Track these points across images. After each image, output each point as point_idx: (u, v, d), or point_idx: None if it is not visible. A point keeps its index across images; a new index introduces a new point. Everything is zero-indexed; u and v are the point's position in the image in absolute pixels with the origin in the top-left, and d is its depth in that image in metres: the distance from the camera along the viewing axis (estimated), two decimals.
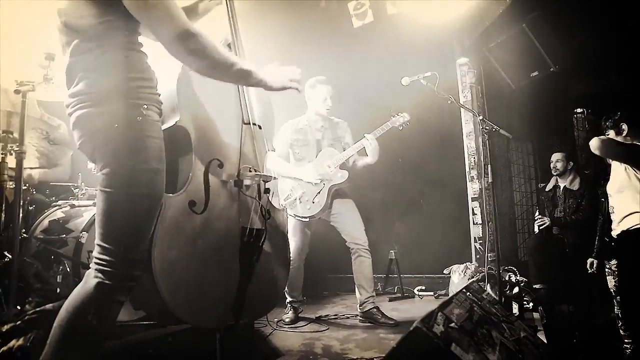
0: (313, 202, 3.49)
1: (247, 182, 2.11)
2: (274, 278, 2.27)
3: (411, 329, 1.30)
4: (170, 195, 1.86)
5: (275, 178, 2.21)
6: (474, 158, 4.41)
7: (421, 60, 3.99)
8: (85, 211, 2.71)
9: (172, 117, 1.97)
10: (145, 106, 1.59)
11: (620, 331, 3.11)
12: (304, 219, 3.54)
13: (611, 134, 2.84)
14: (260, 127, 2.26)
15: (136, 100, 1.58)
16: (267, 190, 2.18)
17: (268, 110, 2.45)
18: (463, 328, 1.46)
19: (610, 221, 2.90)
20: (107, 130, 1.53)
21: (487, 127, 3.01)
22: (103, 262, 1.51)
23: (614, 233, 2.79)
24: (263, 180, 2.16)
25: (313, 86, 3.63)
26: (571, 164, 4.43)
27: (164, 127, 1.91)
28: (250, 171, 2.14)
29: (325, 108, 3.60)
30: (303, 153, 3.61)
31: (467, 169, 4.47)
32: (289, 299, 3.69)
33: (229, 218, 2.06)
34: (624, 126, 2.78)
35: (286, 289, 3.58)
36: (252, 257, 2.04)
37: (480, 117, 3.07)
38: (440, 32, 4.41)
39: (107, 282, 1.49)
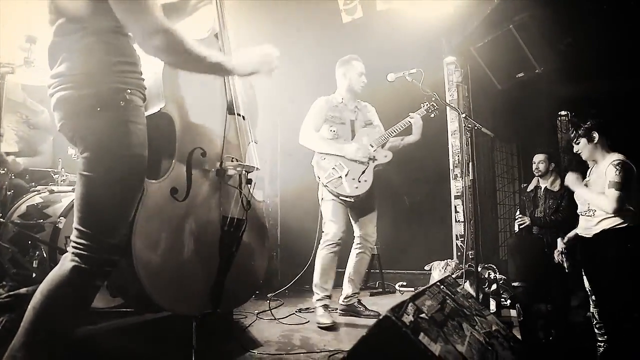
0: (359, 181, 3.32)
1: (229, 172, 2.12)
2: (252, 268, 2.29)
3: (380, 317, 1.33)
4: (152, 181, 1.87)
5: (258, 169, 2.21)
6: (458, 156, 4.45)
7: (409, 57, 4.01)
8: (64, 197, 2.70)
9: (157, 104, 1.98)
10: (129, 91, 1.59)
11: (595, 330, 3.17)
12: (348, 199, 3.33)
13: (582, 142, 2.94)
14: (244, 118, 2.27)
15: (120, 85, 1.57)
16: (249, 181, 2.20)
17: (252, 101, 2.46)
18: (433, 319, 1.49)
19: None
20: (88, 113, 1.53)
21: (470, 125, 3.05)
22: (80, 246, 1.51)
23: (590, 233, 2.86)
24: (245, 171, 2.18)
25: (347, 62, 3.54)
26: (553, 165, 4.50)
27: (148, 113, 1.92)
28: (233, 161, 2.16)
29: (360, 84, 3.50)
30: (339, 132, 3.45)
31: (451, 167, 4.52)
32: (320, 296, 3.37)
33: (210, 207, 2.08)
34: (595, 134, 2.88)
35: (317, 281, 3.38)
36: (232, 247, 2.05)
37: (464, 115, 3.11)
38: (428, 30, 4.44)
39: (83, 265, 1.50)
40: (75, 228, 1.53)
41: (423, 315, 1.46)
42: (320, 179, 3.35)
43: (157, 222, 1.85)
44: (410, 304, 1.46)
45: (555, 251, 3.66)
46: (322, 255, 3.37)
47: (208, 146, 2.09)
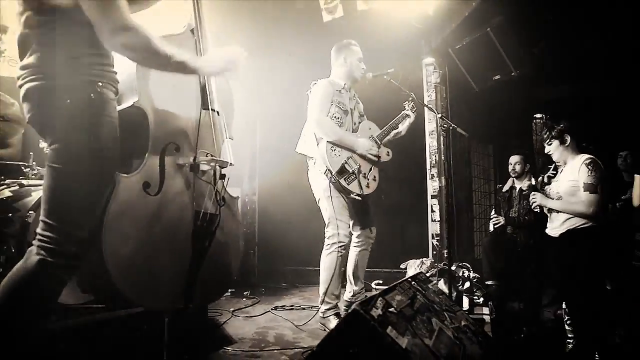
0: (368, 179, 3.11)
1: (203, 167, 2.12)
2: (226, 264, 2.29)
3: (349, 311, 1.34)
4: (124, 175, 1.86)
5: (232, 164, 2.20)
6: (435, 157, 4.51)
7: (389, 57, 4.05)
8: (34, 191, 2.64)
9: (130, 98, 1.97)
10: (101, 84, 1.58)
11: (566, 326, 3.24)
12: (357, 197, 3.06)
13: (555, 143, 2.99)
14: (219, 114, 2.26)
15: (91, 77, 1.56)
16: (222, 176, 2.19)
17: (228, 97, 2.45)
18: (402, 313, 1.51)
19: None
20: (58, 105, 1.51)
21: (446, 125, 3.09)
22: (46, 239, 1.49)
23: (557, 231, 2.92)
24: (219, 166, 2.17)
25: (346, 46, 3.29)
26: (528, 166, 4.58)
27: (121, 107, 1.91)
28: (207, 156, 2.15)
29: (360, 70, 3.26)
30: (342, 120, 3.12)
31: (427, 167, 4.57)
32: (331, 304, 3.06)
33: (184, 202, 2.07)
34: (567, 137, 2.94)
35: (326, 288, 3.04)
36: (205, 242, 2.05)
37: (440, 115, 3.15)
38: (408, 31, 4.49)
39: (49, 259, 1.47)
40: (42, 220, 1.51)
41: (392, 309, 1.48)
42: (332, 173, 2.96)
43: (128, 216, 1.84)
44: (380, 299, 1.48)
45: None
46: (331, 259, 3.04)
47: (182, 141, 2.08)
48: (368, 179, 3.14)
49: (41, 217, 1.52)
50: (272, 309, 3.68)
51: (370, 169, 3.18)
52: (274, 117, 5.08)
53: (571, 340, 3.14)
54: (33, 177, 2.92)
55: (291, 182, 4.81)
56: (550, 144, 3.05)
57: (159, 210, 1.95)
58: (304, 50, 4.81)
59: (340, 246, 3.04)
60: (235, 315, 3.43)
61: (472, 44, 4.62)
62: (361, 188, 3.05)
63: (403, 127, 3.41)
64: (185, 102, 2.14)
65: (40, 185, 2.74)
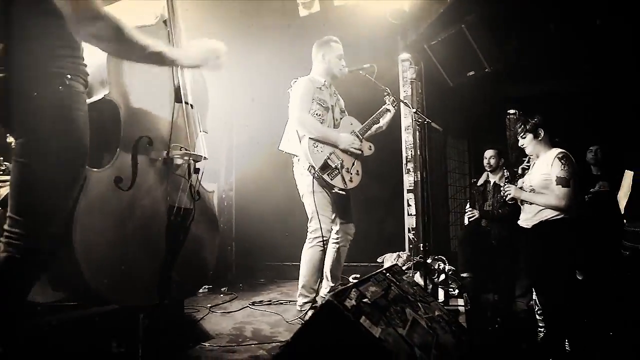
0: (351, 173, 3.14)
1: (177, 161, 2.10)
2: (201, 259, 2.27)
3: (323, 302, 1.35)
4: (95, 170, 1.83)
5: (205, 158, 2.18)
6: (411, 151, 4.55)
7: (365, 53, 4.06)
8: (1, 187, 2.57)
9: (101, 91, 1.93)
10: (69, 76, 1.55)
11: (537, 316, 3.32)
12: (341, 192, 3.11)
13: (529, 137, 3.04)
14: (192, 107, 2.24)
15: (58, 69, 1.53)
16: (196, 170, 2.17)
17: (202, 90, 2.43)
18: (376, 303, 1.53)
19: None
20: (25, 97, 1.48)
21: (420, 120, 3.12)
22: (14, 235, 1.46)
23: (530, 223, 2.98)
24: (193, 160, 2.15)
25: (326, 43, 3.30)
26: (502, 160, 4.67)
27: (91, 99, 1.87)
28: (180, 150, 2.13)
29: (339, 68, 3.27)
30: (323, 117, 3.15)
31: (403, 162, 4.62)
32: (309, 298, 3.10)
33: (157, 196, 2.04)
34: (541, 131, 2.99)
35: (306, 282, 3.09)
36: (179, 237, 2.03)
37: (414, 110, 3.18)
38: (384, 27, 4.51)
39: (17, 256, 1.44)
40: (9, 216, 1.47)
41: (366, 300, 1.50)
42: (315, 169, 2.99)
43: (99, 211, 1.81)
44: (354, 290, 1.50)
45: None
46: (311, 253, 3.10)
47: (155, 134, 2.06)
48: (351, 174, 3.17)
49: (8, 213, 1.49)
50: (249, 305, 3.67)
51: (353, 164, 3.22)
52: (250, 113, 5.05)
53: (542, 330, 3.23)
54: (1, 173, 2.84)
55: (268, 178, 4.80)
56: (525, 137, 3.08)
57: (132, 205, 1.92)
58: (280, 45, 4.79)
59: (322, 241, 3.08)
60: (213, 312, 3.41)
61: (447, 40, 4.68)
62: (345, 183, 3.09)
63: (384, 122, 3.44)
64: (158, 95, 2.11)
65: (7, 182, 2.67)
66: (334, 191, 3.10)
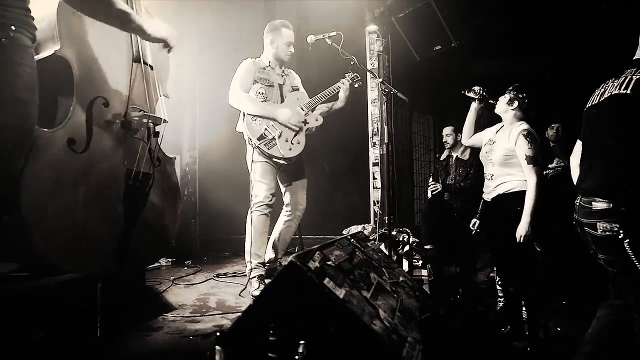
0: (292, 143, 3.25)
1: (135, 124, 2.00)
2: (162, 227, 2.21)
3: (285, 263, 1.33)
4: (45, 130, 1.72)
5: (165, 121, 2.10)
6: (377, 125, 4.55)
7: (332, 24, 3.96)
8: None
9: (51, 46, 1.81)
10: (14, 27, 1.43)
11: (497, 287, 3.41)
12: (281, 161, 3.24)
13: (506, 98, 2.93)
14: (152, 68, 2.14)
15: (2, 19, 1.41)
16: (156, 134, 2.09)
17: (162, 53, 2.31)
18: (340, 267, 1.52)
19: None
20: None
21: (387, 90, 3.10)
22: None
23: (490, 196, 3.03)
24: (152, 123, 2.06)
25: (276, 28, 3.38)
26: (460, 136, 4.71)
27: (41, 55, 1.76)
28: (139, 112, 2.03)
29: (286, 53, 3.38)
30: (268, 95, 3.31)
31: (369, 135, 4.62)
32: (253, 264, 3.18)
33: (114, 160, 1.96)
34: (516, 104, 2.95)
35: (249, 247, 3.19)
36: (138, 203, 1.96)
37: (380, 80, 3.15)
38: None
39: None
40: None
41: (330, 262, 1.48)
42: (252, 140, 3.16)
43: (51, 175, 1.71)
44: (317, 252, 1.48)
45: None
46: (253, 219, 3.22)
47: (111, 96, 1.96)
48: (292, 144, 3.27)
49: None
50: (214, 277, 3.63)
51: (295, 134, 3.30)
52: (216, 87, 4.91)
53: (502, 300, 3.33)
54: None
55: (232, 152, 4.70)
56: (504, 97, 3.00)
57: (87, 168, 1.83)
58: (247, 14, 4.66)
59: (261, 206, 3.20)
60: (176, 284, 3.35)
61: (415, 13, 4.66)
62: (281, 152, 3.20)
63: (341, 100, 3.50)
64: (115, 54, 2.00)
65: None
66: (274, 160, 3.23)
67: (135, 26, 1.72)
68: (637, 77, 1.74)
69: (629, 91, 1.73)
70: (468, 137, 3.39)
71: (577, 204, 1.92)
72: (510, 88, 3.00)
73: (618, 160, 1.78)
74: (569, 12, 4.65)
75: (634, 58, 1.87)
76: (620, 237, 1.69)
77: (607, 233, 1.74)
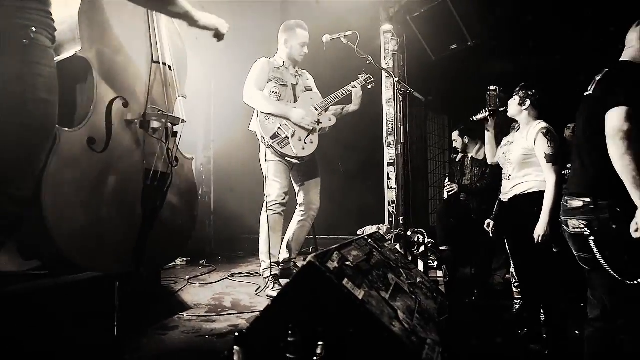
0: (306, 142, 3.24)
1: (154, 123, 2.02)
2: (179, 227, 2.21)
3: (305, 263, 1.32)
4: (66, 129, 1.74)
5: (184, 121, 2.11)
6: (392, 124, 4.52)
7: (347, 24, 3.96)
8: None
9: (72, 47, 1.83)
10: (34, 29, 1.44)
11: (513, 288, 3.37)
12: (294, 160, 3.24)
13: (516, 100, 2.91)
14: (171, 68, 2.15)
15: (23, 21, 1.43)
16: (174, 134, 2.09)
17: (181, 52, 2.34)
18: (358, 267, 1.51)
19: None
20: None
21: (402, 89, 3.08)
22: None
23: (507, 197, 2.99)
24: (171, 123, 2.07)
25: (292, 28, 3.37)
26: (467, 139, 4.66)
27: (62, 56, 1.78)
28: (158, 112, 2.04)
29: (300, 54, 3.37)
30: (281, 94, 3.31)
31: (384, 135, 4.59)
32: (267, 263, 3.18)
33: (133, 160, 1.97)
34: (528, 102, 2.92)
35: (263, 247, 3.20)
36: (155, 202, 1.97)
37: (397, 79, 3.14)
38: None
39: None
40: None
41: (348, 263, 1.47)
42: (265, 139, 3.15)
43: (71, 174, 1.73)
44: (336, 252, 1.47)
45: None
46: (267, 217, 3.22)
47: (131, 96, 1.97)
48: (305, 143, 3.25)
49: None
50: (228, 276, 3.64)
51: (309, 134, 3.28)
52: (231, 86, 4.92)
53: (518, 302, 3.28)
54: None
55: (247, 151, 4.70)
56: (514, 99, 2.98)
57: (106, 168, 1.85)
58: (263, 13, 4.67)
59: (274, 204, 3.21)
60: (191, 283, 3.36)
61: (430, 12, 4.61)
62: (294, 151, 3.19)
63: (354, 104, 3.49)
64: (135, 55, 2.02)
65: None
66: (287, 159, 3.23)
67: (181, 10, 1.72)
68: (599, 77, 1.81)
69: (591, 92, 1.81)
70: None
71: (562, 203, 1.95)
72: (517, 89, 2.97)
73: (588, 159, 1.81)
74: (587, 9, 4.57)
75: (620, 59, 1.88)
76: (585, 234, 1.74)
77: (577, 230, 1.79)
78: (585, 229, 1.75)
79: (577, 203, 1.80)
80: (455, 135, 4.67)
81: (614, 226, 1.67)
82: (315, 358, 1.20)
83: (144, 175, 1.95)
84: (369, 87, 3.53)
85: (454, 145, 4.67)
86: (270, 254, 3.18)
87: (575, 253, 1.88)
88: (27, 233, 1.63)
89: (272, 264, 3.18)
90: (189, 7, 1.75)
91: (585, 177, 1.84)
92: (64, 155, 1.69)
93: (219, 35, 2.02)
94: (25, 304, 2.08)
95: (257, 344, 1.25)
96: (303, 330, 1.23)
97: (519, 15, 4.87)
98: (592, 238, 1.73)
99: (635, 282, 1.67)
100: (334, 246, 1.53)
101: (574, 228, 1.81)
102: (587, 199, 1.75)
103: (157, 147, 2.03)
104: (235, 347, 1.21)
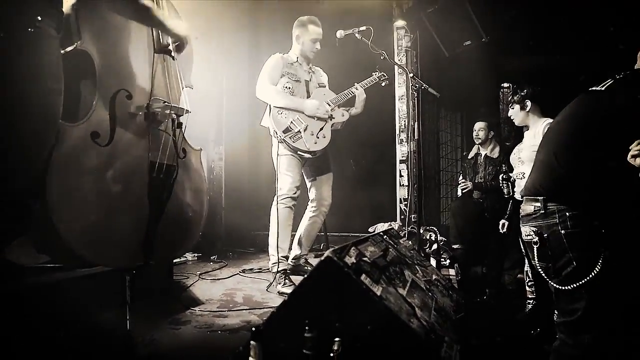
0: (318, 137, 3.23)
1: (158, 115, 1.99)
2: (188, 219, 2.18)
3: (322, 258, 1.29)
4: (69, 124, 1.71)
5: (188, 112, 2.07)
6: (404, 121, 4.48)
7: (360, 20, 3.92)
8: None
9: (72, 40, 1.80)
10: (39, 18, 1.42)
11: (527, 288, 3.32)
12: (306, 154, 3.23)
13: (516, 108, 3.00)
14: (174, 59, 2.12)
15: (28, 9, 1.40)
16: (180, 125, 2.06)
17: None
18: (375, 263, 1.48)
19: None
20: None
21: (417, 85, 3.04)
22: None
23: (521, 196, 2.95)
24: (176, 114, 2.04)
25: (303, 24, 3.36)
26: (492, 133, 4.61)
27: (62, 50, 1.75)
28: (162, 104, 2.02)
29: (312, 50, 3.37)
30: (295, 89, 3.31)
31: (396, 132, 4.55)
32: (276, 258, 3.17)
33: (138, 152, 1.94)
34: (529, 103, 2.95)
35: (273, 241, 3.20)
36: (162, 194, 1.94)
37: (411, 75, 3.10)
38: None
39: None
40: None
41: (365, 258, 1.44)
42: (277, 133, 3.15)
43: (75, 168, 1.70)
44: (353, 248, 1.44)
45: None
46: (277, 211, 3.21)
47: (134, 88, 1.93)
48: (317, 137, 3.24)
49: None
50: (240, 272, 3.62)
51: (321, 128, 3.27)
52: (243, 81, 4.91)
53: (531, 302, 3.24)
54: None
55: (258, 147, 4.70)
56: (513, 109, 3.06)
57: (111, 161, 1.82)
58: (275, 8, 4.65)
59: (285, 198, 3.21)
60: (203, 278, 3.35)
61: (444, 8, 4.56)
62: (307, 145, 3.18)
63: (356, 107, 3.47)
64: (136, 46, 1.98)
65: None
66: (299, 154, 3.22)
67: (156, 21, 1.72)
68: (619, 76, 1.71)
69: (603, 89, 1.70)
70: None
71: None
72: (509, 99, 2.99)
73: (563, 156, 1.68)
74: (602, 7, 4.48)
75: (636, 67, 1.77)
76: (533, 241, 1.62)
77: (528, 237, 1.67)
78: (534, 236, 1.63)
79: (529, 208, 1.68)
80: (482, 124, 4.56)
81: (562, 232, 1.55)
82: (332, 354, 1.18)
83: (149, 168, 1.92)
84: (383, 84, 3.50)
85: (475, 135, 4.58)
86: (279, 248, 3.16)
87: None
88: (37, 227, 1.62)
89: (281, 258, 3.16)
90: (163, 16, 1.81)
91: (544, 173, 1.73)
92: (67, 150, 1.67)
93: (181, 46, 2.06)
94: (41, 297, 2.09)
95: (273, 339, 1.22)
96: (320, 326, 1.20)
97: (534, 11, 4.79)
98: (537, 246, 1.61)
99: (569, 288, 1.56)
100: (350, 242, 1.50)
101: (526, 235, 1.69)
102: (539, 204, 1.63)
103: (162, 139, 2.00)
104: (252, 342, 1.19)
